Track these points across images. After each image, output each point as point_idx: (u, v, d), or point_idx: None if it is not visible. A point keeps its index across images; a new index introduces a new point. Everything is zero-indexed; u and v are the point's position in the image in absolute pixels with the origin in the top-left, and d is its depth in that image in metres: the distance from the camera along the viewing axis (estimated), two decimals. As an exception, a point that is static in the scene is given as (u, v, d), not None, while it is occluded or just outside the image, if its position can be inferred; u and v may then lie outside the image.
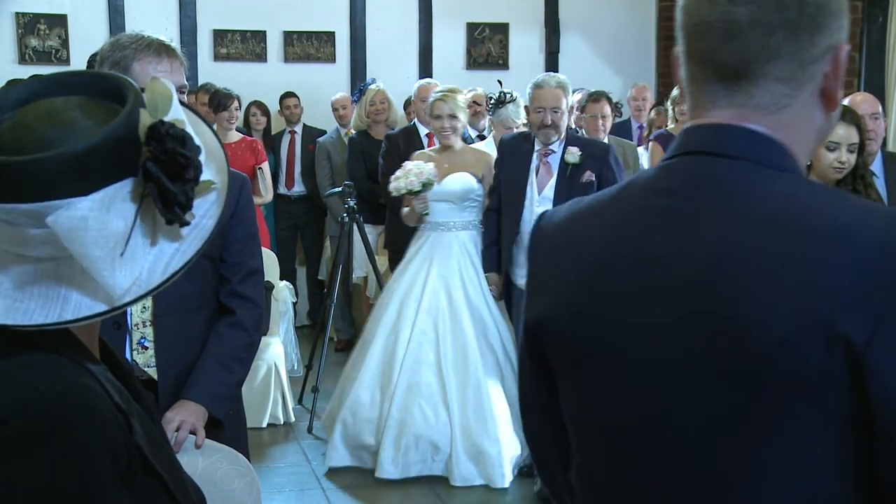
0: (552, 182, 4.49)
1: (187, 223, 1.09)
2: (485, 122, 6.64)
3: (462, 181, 4.74)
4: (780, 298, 0.99)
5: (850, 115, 3.33)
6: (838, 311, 0.97)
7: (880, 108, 4.33)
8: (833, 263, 0.98)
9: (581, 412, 1.20)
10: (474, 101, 6.61)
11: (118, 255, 1.06)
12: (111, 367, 1.20)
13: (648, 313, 1.08)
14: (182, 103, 1.15)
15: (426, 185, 4.59)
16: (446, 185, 4.69)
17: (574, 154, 4.44)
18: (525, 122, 5.09)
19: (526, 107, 4.59)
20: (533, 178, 4.53)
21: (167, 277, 1.10)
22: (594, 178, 4.43)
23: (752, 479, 1.03)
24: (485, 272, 4.70)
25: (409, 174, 4.63)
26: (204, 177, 1.11)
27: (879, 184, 3.77)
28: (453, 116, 4.73)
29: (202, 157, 1.10)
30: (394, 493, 4.54)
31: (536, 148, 4.48)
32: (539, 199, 4.52)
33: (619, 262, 1.12)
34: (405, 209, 4.86)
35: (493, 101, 5.87)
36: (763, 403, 1.01)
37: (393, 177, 4.72)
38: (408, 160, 4.79)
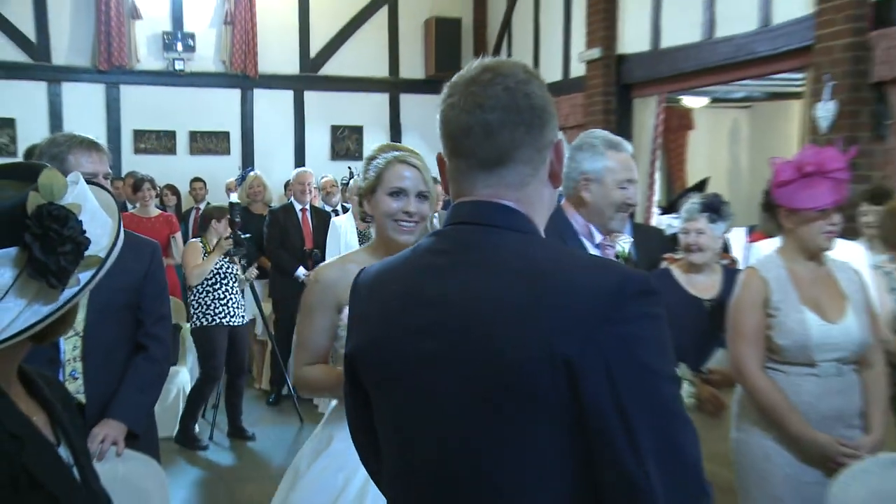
0: None
1: (63, 287, 1.11)
2: (337, 198, 7.17)
3: None
4: (517, 329, 1.11)
5: None
6: (558, 334, 1.08)
7: None
8: (553, 301, 1.10)
9: (383, 425, 1.31)
10: (328, 184, 7.33)
11: None
12: (38, 397, 1.24)
13: (430, 344, 1.20)
14: (108, 192, 1.21)
15: None
16: None
17: (627, 242, 2.99)
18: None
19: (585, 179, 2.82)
20: None
21: (20, 331, 1.09)
22: None
23: (508, 480, 1.14)
24: None
25: None
26: (97, 252, 1.13)
27: None
28: (423, 197, 2.38)
29: (106, 240, 1.13)
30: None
31: (597, 240, 2.87)
32: None
33: (410, 306, 1.24)
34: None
35: (349, 178, 6.35)
36: (511, 414, 1.12)
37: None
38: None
